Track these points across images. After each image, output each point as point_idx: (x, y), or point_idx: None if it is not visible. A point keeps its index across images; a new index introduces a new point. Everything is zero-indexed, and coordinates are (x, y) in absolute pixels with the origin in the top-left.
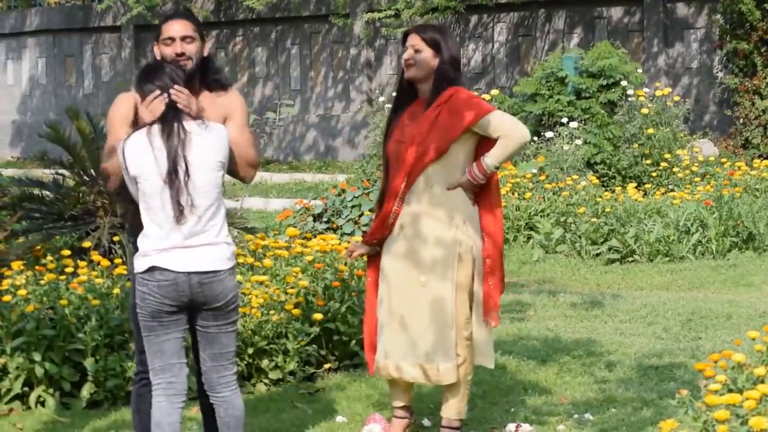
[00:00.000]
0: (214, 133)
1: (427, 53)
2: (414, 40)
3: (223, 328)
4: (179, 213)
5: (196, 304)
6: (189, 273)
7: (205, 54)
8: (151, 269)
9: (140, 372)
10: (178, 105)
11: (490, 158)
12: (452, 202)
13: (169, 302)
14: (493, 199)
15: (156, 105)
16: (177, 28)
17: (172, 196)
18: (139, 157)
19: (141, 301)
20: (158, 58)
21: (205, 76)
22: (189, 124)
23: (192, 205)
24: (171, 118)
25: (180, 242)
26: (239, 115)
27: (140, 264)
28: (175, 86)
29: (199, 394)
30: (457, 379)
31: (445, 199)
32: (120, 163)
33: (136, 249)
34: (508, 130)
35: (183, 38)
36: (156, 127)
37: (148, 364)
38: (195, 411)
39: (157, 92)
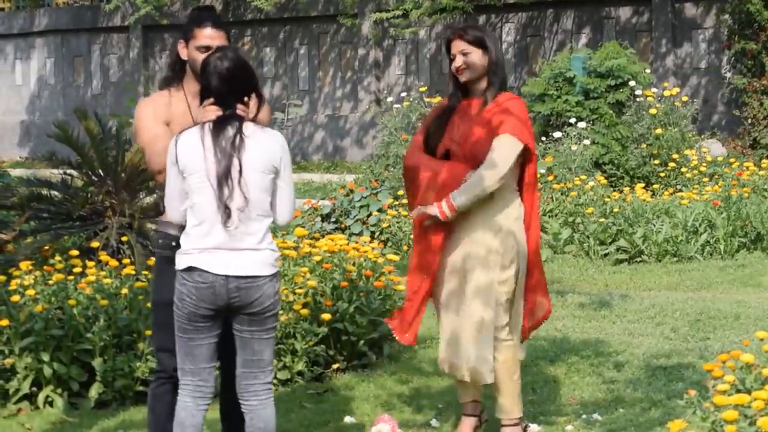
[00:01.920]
0: (270, 137)
1: (475, 54)
2: (459, 45)
3: (256, 334)
4: (227, 217)
5: (232, 308)
6: (228, 276)
7: None
8: (190, 269)
9: (158, 372)
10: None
11: (459, 194)
12: (501, 204)
13: (206, 306)
14: (534, 215)
15: (209, 113)
16: (213, 35)
17: (221, 198)
18: (191, 153)
19: (179, 301)
20: (183, 57)
21: None
22: (246, 126)
23: (242, 208)
24: (229, 120)
25: (222, 243)
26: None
27: (180, 262)
28: (240, 105)
29: (220, 397)
30: (495, 380)
31: (495, 199)
32: (170, 156)
33: (156, 244)
34: (488, 165)
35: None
36: (208, 126)
37: (177, 362)
38: None
39: (211, 100)
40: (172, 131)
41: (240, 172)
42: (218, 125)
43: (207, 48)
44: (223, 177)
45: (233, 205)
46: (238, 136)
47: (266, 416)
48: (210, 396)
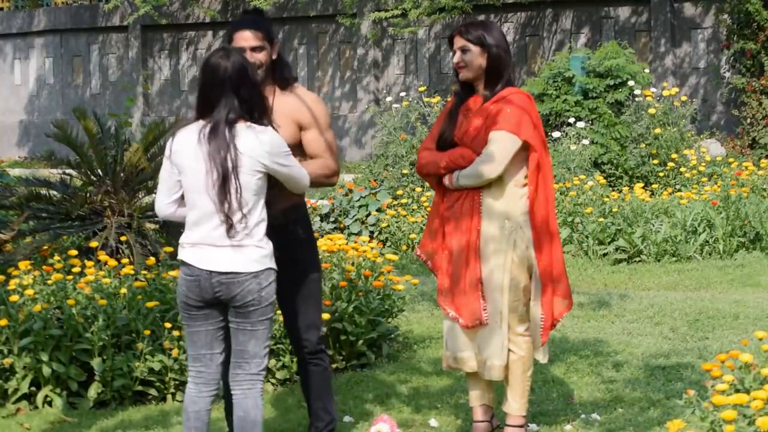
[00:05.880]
0: (262, 137)
1: (473, 53)
2: (459, 42)
3: (241, 325)
4: (229, 227)
5: (221, 301)
6: (211, 271)
7: (274, 57)
8: (183, 262)
9: None
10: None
11: (460, 175)
12: (507, 198)
13: (194, 297)
14: (552, 223)
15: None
16: (247, 36)
17: (222, 210)
18: (187, 152)
19: (178, 289)
20: None
21: (273, 74)
22: (238, 129)
23: (240, 220)
24: (224, 125)
25: (206, 239)
26: (315, 122)
27: (179, 254)
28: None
29: (224, 392)
30: (505, 376)
31: (501, 193)
32: (166, 151)
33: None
34: (485, 158)
35: (253, 48)
36: (205, 130)
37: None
38: None
39: None
40: None
41: (239, 189)
42: (213, 131)
43: (242, 50)
44: (221, 191)
45: (234, 218)
46: (232, 147)
47: (246, 405)
48: (214, 383)
